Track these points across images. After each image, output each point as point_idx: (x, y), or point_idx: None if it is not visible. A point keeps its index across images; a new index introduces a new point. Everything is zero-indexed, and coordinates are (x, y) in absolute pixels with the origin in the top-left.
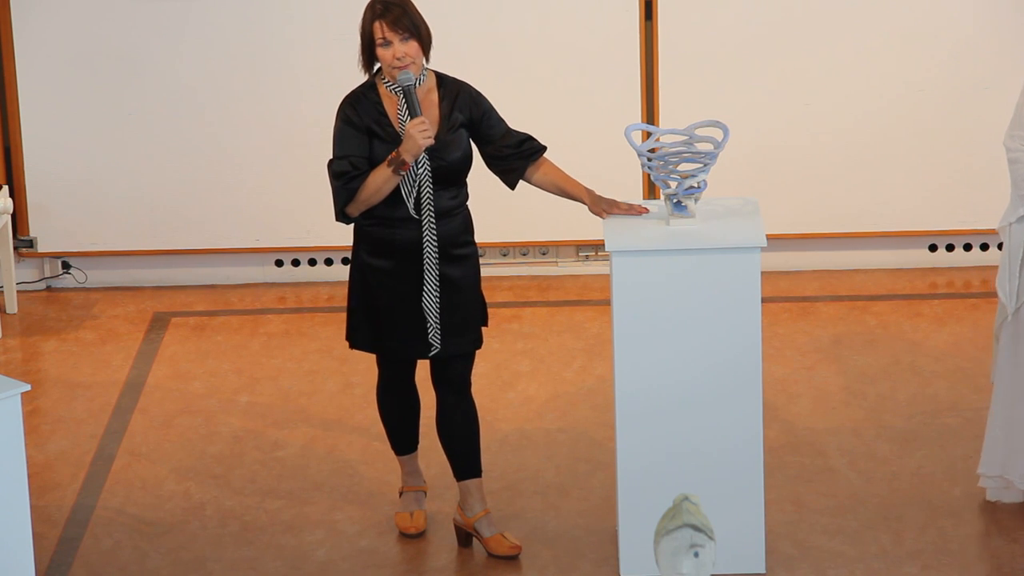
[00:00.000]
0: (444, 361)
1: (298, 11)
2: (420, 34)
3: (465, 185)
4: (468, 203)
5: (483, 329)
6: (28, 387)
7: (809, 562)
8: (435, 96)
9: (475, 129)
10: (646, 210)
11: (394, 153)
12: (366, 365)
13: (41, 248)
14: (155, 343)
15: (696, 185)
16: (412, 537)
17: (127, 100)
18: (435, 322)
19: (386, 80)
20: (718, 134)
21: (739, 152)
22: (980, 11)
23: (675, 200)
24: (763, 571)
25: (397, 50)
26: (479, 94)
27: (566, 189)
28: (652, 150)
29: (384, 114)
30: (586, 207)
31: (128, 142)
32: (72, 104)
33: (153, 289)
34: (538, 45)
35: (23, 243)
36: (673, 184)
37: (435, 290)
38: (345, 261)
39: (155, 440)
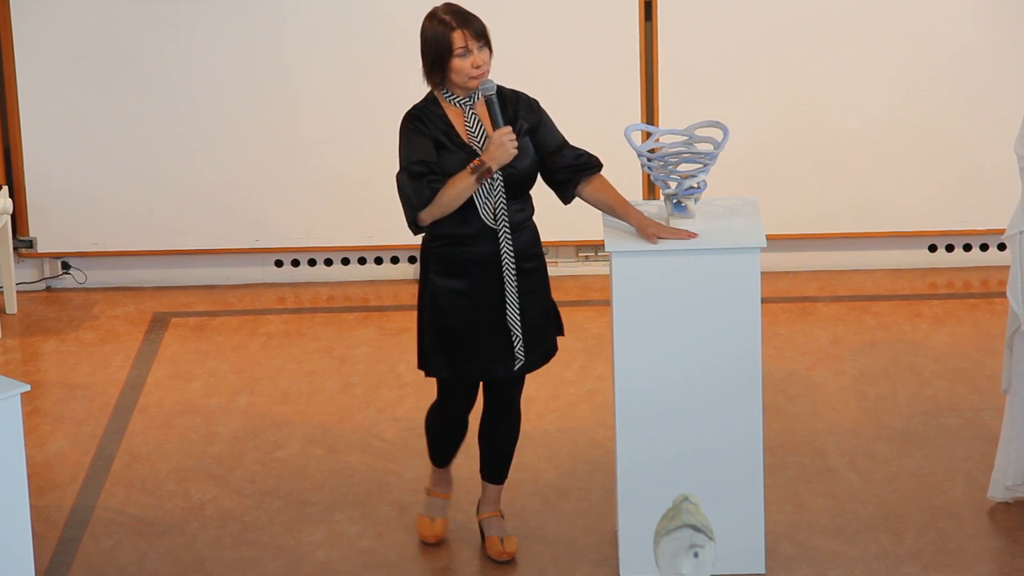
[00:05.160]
0: None
1: (298, 12)
2: (489, 42)
3: (531, 197)
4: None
5: (559, 338)
6: (28, 387)
7: (809, 562)
8: None
9: (533, 137)
10: (695, 235)
11: (477, 161)
12: (365, 365)
13: (41, 248)
14: (155, 343)
15: (696, 185)
16: (429, 544)
17: (127, 101)
18: (519, 334)
19: (449, 94)
20: (718, 134)
21: (739, 152)
22: (980, 12)
23: (675, 200)
24: (763, 571)
25: (476, 59)
26: (536, 102)
27: (616, 209)
28: (652, 150)
29: (451, 126)
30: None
31: (128, 143)
32: (72, 105)
33: (153, 289)
34: (538, 45)
35: (23, 243)
36: (673, 184)
37: (517, 303)
38: (344, 261)
39: (155, 440)
